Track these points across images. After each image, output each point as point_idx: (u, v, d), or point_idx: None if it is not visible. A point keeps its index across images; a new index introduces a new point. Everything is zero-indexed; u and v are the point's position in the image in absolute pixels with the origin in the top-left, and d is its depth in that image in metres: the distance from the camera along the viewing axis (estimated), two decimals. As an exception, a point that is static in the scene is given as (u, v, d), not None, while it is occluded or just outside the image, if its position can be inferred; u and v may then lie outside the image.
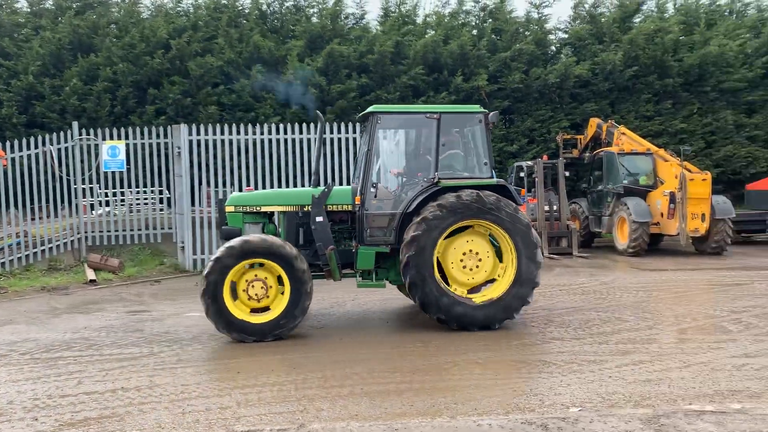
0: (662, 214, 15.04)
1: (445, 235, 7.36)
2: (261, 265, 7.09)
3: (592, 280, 11.46)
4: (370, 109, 7.94)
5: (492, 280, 7.62)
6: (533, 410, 4.78)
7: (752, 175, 20.11)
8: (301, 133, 13.49)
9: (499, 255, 7.64)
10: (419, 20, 22.07)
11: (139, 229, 13.55)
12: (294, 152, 13.39)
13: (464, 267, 7.51)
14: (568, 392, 5.18)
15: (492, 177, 7.78)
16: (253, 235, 7.25)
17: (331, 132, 13.45)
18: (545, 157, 17.45)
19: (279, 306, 7.06)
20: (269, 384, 5.58)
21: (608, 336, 7.09)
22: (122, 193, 14.29)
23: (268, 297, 7.09)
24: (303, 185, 13.22)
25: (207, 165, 13.17)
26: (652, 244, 15.46)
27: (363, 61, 19.30)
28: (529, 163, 17.40)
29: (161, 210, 14.20)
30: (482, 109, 7.96)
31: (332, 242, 7.54)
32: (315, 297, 7.44)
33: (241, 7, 20.97)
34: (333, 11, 20.80)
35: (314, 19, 21.04)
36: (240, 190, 12.47)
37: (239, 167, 13.31)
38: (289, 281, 7.01)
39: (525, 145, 20.47)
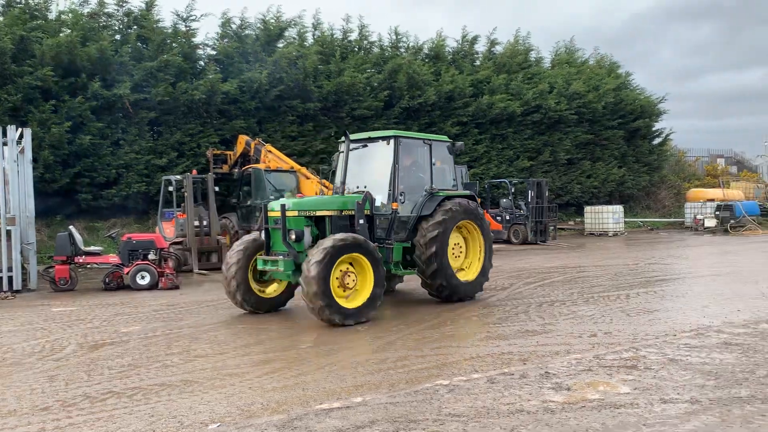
0: (304, 228, 16.17)
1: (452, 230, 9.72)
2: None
3: (239, 293, 11.65)
4: (390, 132, 9.79)
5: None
6: (171, 434, 4.58)
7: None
8: None
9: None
10: (52, 16, 19.82)
11: None
12: None
13: (454, 255, 9.96)
14: (208, 409, 5.11)
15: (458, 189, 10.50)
16: (345, 234, 8.41)
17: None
18: (195, 171, 17.26)
19: (365, 289, 8.45)
20: None
21: (252, 347, 7.26)
22: None
23: (357, 278, 8.46)
24: None
25: None
26: (297, 256, 16.51)
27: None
28: (178, 177, 16.98)
29: None
30: (449, 140, 10.49)
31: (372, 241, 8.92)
32: None
33: None
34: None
35: None
36: None
37: None
38: (372, 268, 8.43)
39: (174, 159, 19.99)
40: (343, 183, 9.69)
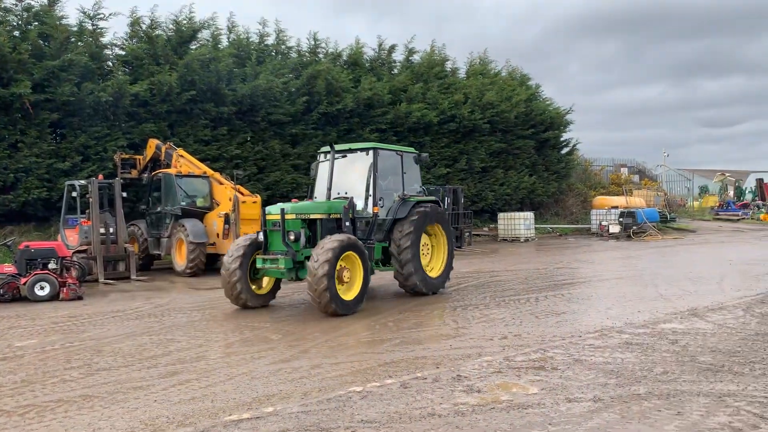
0: (218, 235, 15.75)
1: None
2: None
3: (147, 303, 11.21)
4: (370, 144, 10.92)
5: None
6: (66, 454, 4.30)
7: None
8: None
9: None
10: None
11: None
12: None
13: (423, 254, 11.19)
14: (108, 425, 4.84)
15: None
16: (343, 234, 9.55)
17: None
18: (101, 176, 16.45)
19: (358, 282, 9.62)
20: None
21: (158, 359, 6.96)
22: None
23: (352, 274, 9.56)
24: None
25: None
26: (210, 264, 16.02)
27: None
28: (83, 182, 16.11)
29: None
30: (416, 151, 11.80)
31: None
32: None
33: None
34: None
35: None
36: None
37: None
38: (362, 264, 9.59)
39: (79, 163, 19.00)
40: (329, 189, 10.48)
